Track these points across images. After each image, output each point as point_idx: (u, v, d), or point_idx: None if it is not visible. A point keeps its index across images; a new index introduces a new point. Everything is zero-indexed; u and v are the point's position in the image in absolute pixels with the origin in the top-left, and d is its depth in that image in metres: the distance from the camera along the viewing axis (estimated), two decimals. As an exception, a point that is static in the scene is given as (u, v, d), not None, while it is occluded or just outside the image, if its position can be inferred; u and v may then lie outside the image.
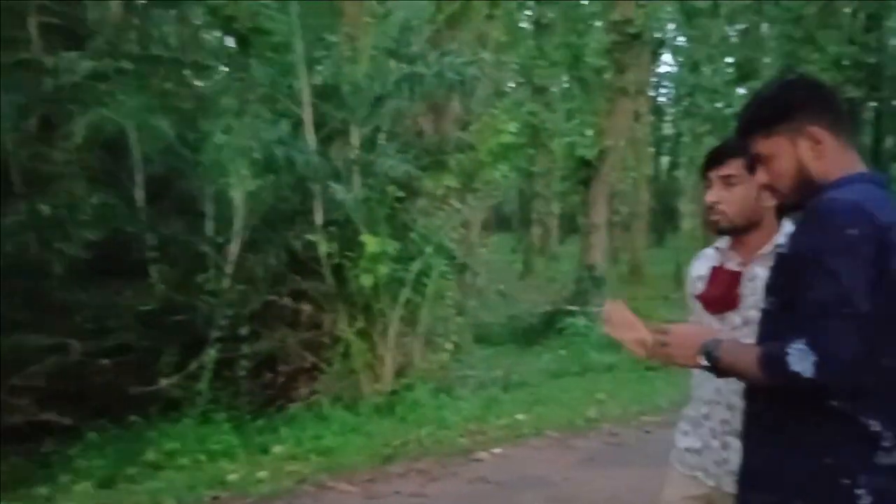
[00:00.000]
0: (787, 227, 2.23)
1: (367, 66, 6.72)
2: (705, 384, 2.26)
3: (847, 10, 17.14)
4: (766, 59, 16.78)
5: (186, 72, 7.48)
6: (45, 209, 6.07)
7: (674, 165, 23.06)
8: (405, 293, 6.33)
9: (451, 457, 5.38)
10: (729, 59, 17.62)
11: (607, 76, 12.16)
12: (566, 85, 17.98)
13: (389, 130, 6.88)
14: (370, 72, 6.71)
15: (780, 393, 1.70)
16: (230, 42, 7.98)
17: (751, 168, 2.07)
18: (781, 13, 15.63)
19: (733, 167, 2.20)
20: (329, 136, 6.76)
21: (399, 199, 6.61)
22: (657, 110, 20.50)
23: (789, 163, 1.82)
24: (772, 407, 1.76)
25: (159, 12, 8.00)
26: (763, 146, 1.85)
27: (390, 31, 7.14)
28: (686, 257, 15.08)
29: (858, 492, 1.66)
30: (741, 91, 16.66)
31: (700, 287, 2.33)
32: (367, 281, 6.05)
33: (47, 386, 5.66)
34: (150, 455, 5.44)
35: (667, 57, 21.45)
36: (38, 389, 5.67)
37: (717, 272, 2.30)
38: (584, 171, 12.64)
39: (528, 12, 17.39)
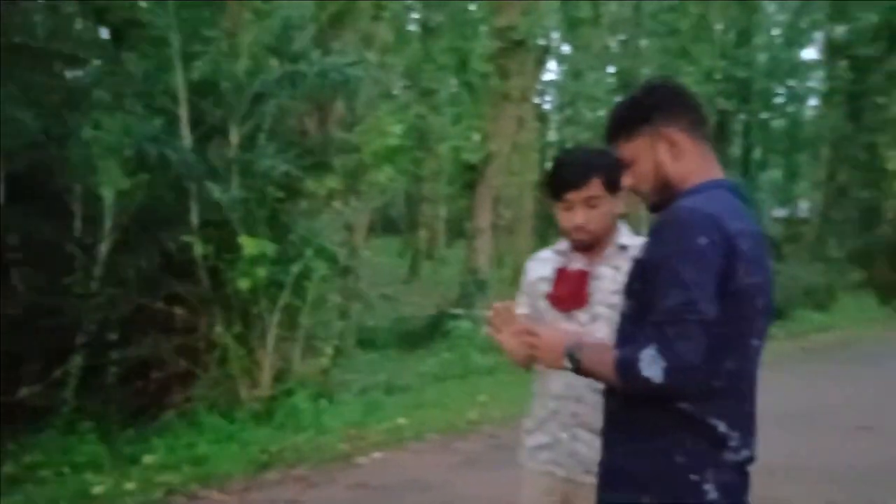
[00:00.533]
0: (625, 231, 2.38)
1: (247, 62, 6.55)
2: (554, 380, 2.35)
3: (719, 26, 18.01)
4: (646, 70, 17.39)
5: (56, 63, 7.08)
6: None
7: (558, 171, 23.55)
8: (284, 296, 6.19)
9: (330, 462, 5.30)
10: (610, 69, 18.20)
11: (493, 82, 12.31)
12: (454, 89, 18.11)
13: (270, 130, 6.71)
14: (250, 69, 6.54)
15: (633, 394, 1.76)
16: (104, 34, 7.64)
17: (610, 186, 2.27)
18: (658, 26, 16.27)
19: (594, 188, 2.28)
20: (207, 134, 6.54)
21: (279, 200, 6.46)
22: (542, 117, 20.93)
23: (649, 164, 1.89)
24: (626, 407, 1.82)
25: (28, 1, 7.56)
26: (626, 149, 1.91)
27: (272, 28, 6.99)
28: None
29: (706, 487, 1.74)
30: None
31: (546, 288, 2.40)
32: (244, 284, 5.88)
33: None
34: (9, 468, 5.13)
35: (552, 65, 21.96)
36: None
37: (563, 273, 2.39)
38: (470, 176, 12.76)
39: (416, 15, 17.43)
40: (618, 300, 2.20)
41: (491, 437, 6.14)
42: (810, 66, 25.09)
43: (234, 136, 6.43)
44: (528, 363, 2.26)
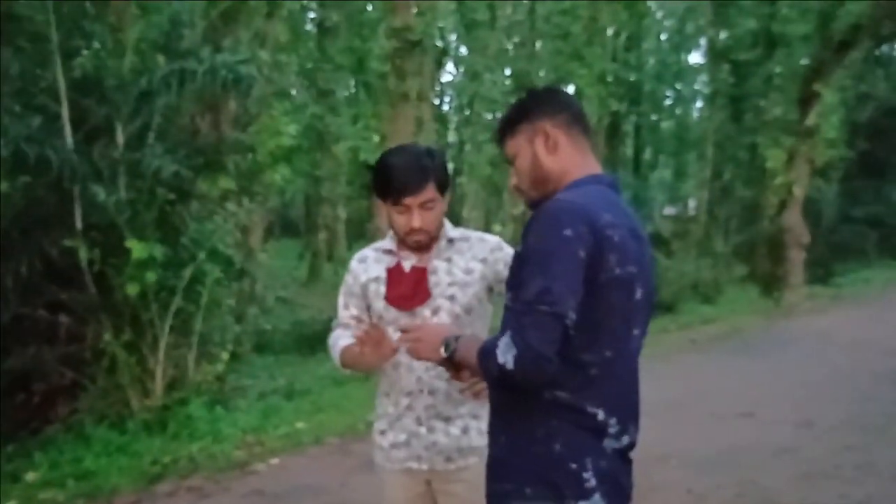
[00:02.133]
0: (449, 225, 2.47)
1: (132, 59, 6.31)
2: (405, 377, 2.39)
3: (610, 30, 18.51)
4: (541, 72, 17.70)
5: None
6: None
7: (457, 172, 23.80)
8: (176, 301, 5.99)
9: (225, 471, 5.15)
10: (507, 71, 18.45)
11: (391, 82, 12.28)
12: (351, 89, 17.99)
13: (160, 129, 6.49)
14: (136, 66, 6.31)
15: (494, 381, 1.81)
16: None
17: (441, 188, 2.36)
18: (552, 29, 16.59)
19: (430, 192, 2.34)
20: (91, 133, 6.26)
21: (170, 202, 6.25)
22: (441, 118, 21.04)
23: (527, 159, 1.97)
24: (507, 398, 1.86)
25: None
26: (509, 147, 2.00)
27: (160, 24, 6.75)
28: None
29: (585, 475, 1.78)
30: (518, 102, 17.46)
31: (380, 288, 2.43)
32: (133, 289, 5.66)
33: None
34: None
35: (450, 66, 22.10)
36: None
37: (398, 272, 2.42)
38: (369, 176, 12.66)
39: (312, 14, 17.22)
40: (455, 291, 2.38)
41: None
42: (695, 69, 26.17)
43: (121, 136, 6.18)
44: (376, 367, 2.34)
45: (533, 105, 1.98)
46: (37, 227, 6.14)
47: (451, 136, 22.70)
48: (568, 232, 1.70)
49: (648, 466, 5.03)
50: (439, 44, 15.82)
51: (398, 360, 2.33)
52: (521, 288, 1.72)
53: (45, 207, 6.26)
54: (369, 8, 17.35)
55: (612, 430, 1.82)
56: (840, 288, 16.26)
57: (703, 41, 22.80)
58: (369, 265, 2.49)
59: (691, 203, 24.27)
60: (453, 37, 20.43)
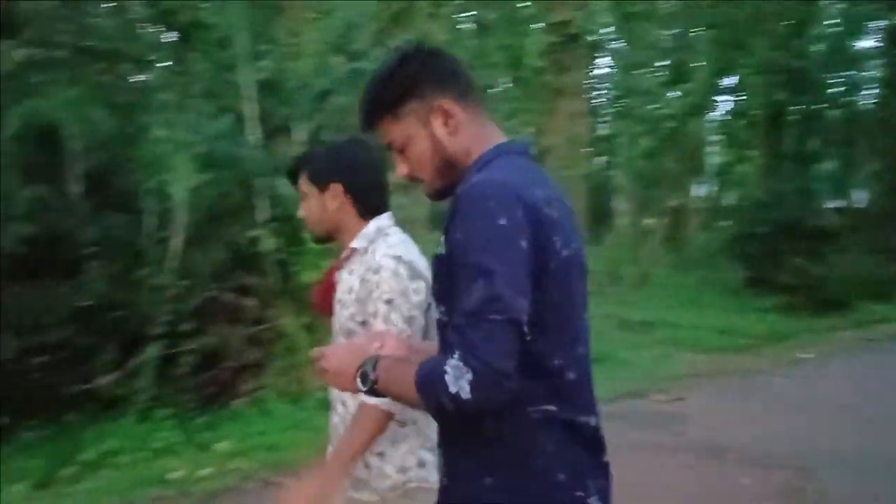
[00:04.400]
0: (370, 228, 2.17)
1: (310, 62, 6.71)
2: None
3: (775, 17, 17.72)
4: (698, 63, 17.21)
5: (124, 65, 7.33)
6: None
7: (610, 165, 23.44)
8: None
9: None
10: (663, 63, 18.05)
11: (546, 77, 12.34)
12: (507, 85, 18.14)
13: (333, 127, 6.88)
14: (314, 68, 6.71)
15: (445, 416, 1.49)
16: (172, 36, 7.87)
17: (316, 181, 2.14)
18: (712, 18, 16.08)
19: (303, 184, 2.20)
20: (272, 131, 6.73)
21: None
22: (594, 111, 20.86)
23: (425, 145, 1.62)
24: (481, 426, 1.49)
25: (94, 4, 7.83)
26: (394, 132, 1.63)
27: (334, 27, 7.14)
28: (622, 254, 15.40)
29: (590, 500, 1.51)
30: (674, 94, 17.12)
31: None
32: (309, 276, 6.04)
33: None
34: (89, 454, 5.34)
35: (604, 59, 21.85)
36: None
37: (326, 278, 2.30)
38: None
39: (470, 13, 17.50)
40: (337, 309, 2.12)
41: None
42: (868, 55, 24.52)
43: (299, 134, 6.60)
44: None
45: (419, 77, 1.61)
46: (225, 218, 6.67)
47: (605, 129, 22.45)
48: (502, 221, 1.40)
49: (825, 472, 4.89)
50: (594, 37, 15.68)
51: None
52: (458, 297, 1.40)
53: (232, 200, 6.77)
54: (525, 4, 17.43)
55: (603, 438, 1.56)
56: None
57: (877, 25, 21.37)
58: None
59: (860, 195, 22.84)
60: (608, 30, 20.17)
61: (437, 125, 1.60)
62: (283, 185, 6.13)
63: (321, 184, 2.16)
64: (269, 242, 6.31)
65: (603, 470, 1.55)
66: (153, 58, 7.37)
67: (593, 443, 1.53)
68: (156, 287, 6.34)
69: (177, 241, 6.47)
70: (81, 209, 6.54)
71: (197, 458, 5.31)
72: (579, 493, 1.49)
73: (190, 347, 6.27)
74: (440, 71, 1.62)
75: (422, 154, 1.62)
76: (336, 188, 2.15)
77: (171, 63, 7.23)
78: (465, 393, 1.34)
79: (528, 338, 1.39)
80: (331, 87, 6.56)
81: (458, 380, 1.34)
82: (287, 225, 6.44)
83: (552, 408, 1.47)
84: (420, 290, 2.02)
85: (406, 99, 1.60)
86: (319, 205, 2.18)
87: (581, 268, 1.54)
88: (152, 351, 6.10)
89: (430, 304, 1.99)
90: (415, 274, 2.03)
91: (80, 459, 5.28)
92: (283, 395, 6.28)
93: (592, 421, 1.53)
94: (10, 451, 5.33)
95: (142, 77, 7.64)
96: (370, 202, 2.18)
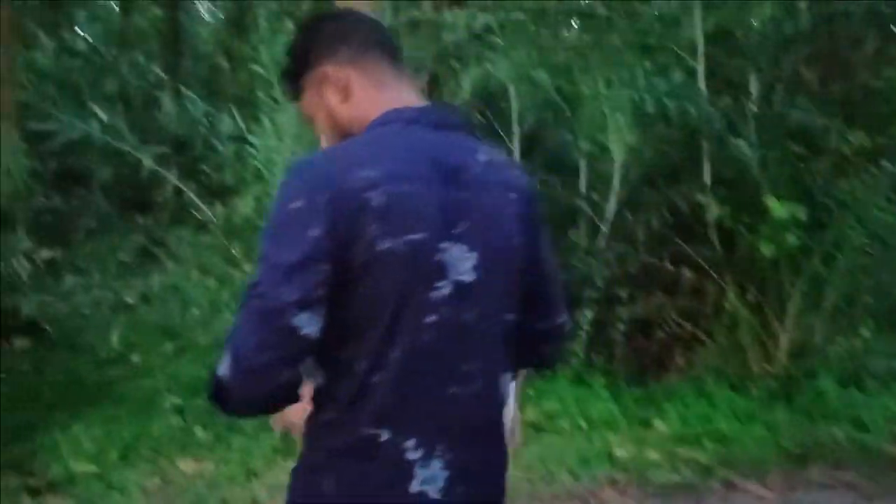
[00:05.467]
0: None
1: (770, 8, 5.94)
2: None
3: None
4: None
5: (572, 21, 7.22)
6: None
7: None
8: (811, 266, 5.57)
9: (878, 467, 4.59)
10: None
11: None
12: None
13: (788, 79, 6.07)
14: (774, 15, 5.93)
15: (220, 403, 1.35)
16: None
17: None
18: None
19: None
20: (722, 86, 6.13)
21: (801, 158, 5.82)
22: None
23: (322, 115, 1.53)
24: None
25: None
26: (302, 105, 1.58)
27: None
28: None
29: None
30: None
31: None
32: (768, 250, 5.40)
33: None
34: (530, 415, 5.36)
35: None
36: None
37: None
38: None
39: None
40: None
41: None
42: None
43: (755, 88, 5.91)
44: None
45: (308, 45, 1.53)
46: (665, 180, 6.27)
47: None
48: (296, 204, 1.30)
49: None
50: None
51: None
52: None
53: (673, 162, 6.34)
54: None
55: (410, 455, 1.34)
56: None
57: None
58: None
59: None
60: None
61: (328, 93, 1.51)
62: (741, 146, 5.54)
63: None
64: (714, 209, 5.77)
65: (399, 496, 1.34)
66: (598, 13, 7.11)
67: (384, 460, 1.34)
68: (591, 250, 6.20)
69: (612, 204, 6.24)
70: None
71: (638, 436, 5.07)
72: None
73: (624, 315, 6.05)
74: (328, 36, 1.53)
75: (323, 124, 1.54)
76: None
77: (614, 18, 6.91)
78: (227, 378, 1.28)
79: (310, 333, 1.28)
80: (794, 36, 5.74)
81: (222, 363, 1.29)
82: (736, 190, 5.85)
83: (339, 413, 1.36)
84: None
85: (302, 70, 1.53)
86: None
87: (416, 262, 1.33)
88: (587, 315, 5.98)
89: None
90: None
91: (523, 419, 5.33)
92: (720, 377, 5.78)
93: (384, 434, 1.34)
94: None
95: (577, 34, 7.46)
96: None
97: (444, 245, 1.35)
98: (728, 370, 5.84)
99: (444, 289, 1.36)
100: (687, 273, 6.16)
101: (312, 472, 1.40)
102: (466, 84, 6.32)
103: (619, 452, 4.83)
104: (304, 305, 1.27)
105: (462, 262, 1.37)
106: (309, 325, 1.27)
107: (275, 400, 1.35)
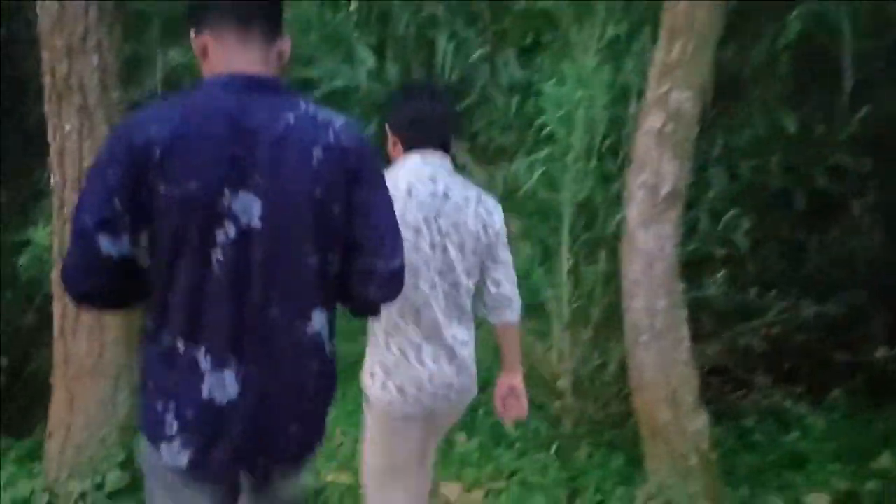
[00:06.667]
0: None
1: None
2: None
3: None
4: None
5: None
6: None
7: None
8: None
9: None
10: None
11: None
12: None
13: None
14: None
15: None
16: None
17: None
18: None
19: None
20: None
21: None
22: None
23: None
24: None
25: None
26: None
27: None
28: None
29: (168, 416, 1.69)
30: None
31: None
32: None
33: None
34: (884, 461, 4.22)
35: None
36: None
37: None
38: None
39: None
40: None
41: None
42: None
43: None
44: None
45: (189, 16, 1.76)
46: None
47: None
48: (103, 153, 1.64)
49: None
50: None
51: None
52: None
53: None
54: None
55: (203, 365, 1.64)
56: None
57: None
58: None
59: None
60: None
61: (200, 59, 1.74)
62: None
63: None
64: None
65: (194, 397, 1.63)
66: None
67: (184, 367, 1.64)
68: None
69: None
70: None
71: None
72: (158, 403, 1.66)
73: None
74: (200, 7, 1.73)
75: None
76: None
77: None
78: (60, 277, 1.64)
79: (111, 254, 1.57)
80: None
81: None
82: None
83: (153, 326, 1.68)
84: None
85: (191, 36, 1.75)
86: None
87: (189, 206, 1.58)
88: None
89: None
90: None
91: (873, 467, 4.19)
92: None
93: (181, 347, 1.63)
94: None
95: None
96: None
97: (227, 194, 1.60)
98: None
99: (229, 231, 1.62)
100: None
101: (143, 374, 1.74)
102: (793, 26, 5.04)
103: None
104: (101, 229, 1.56)
105: (249, 209, 1.62)
106: (111, 246, 1.57)
107: (90, 300, 1.69)
